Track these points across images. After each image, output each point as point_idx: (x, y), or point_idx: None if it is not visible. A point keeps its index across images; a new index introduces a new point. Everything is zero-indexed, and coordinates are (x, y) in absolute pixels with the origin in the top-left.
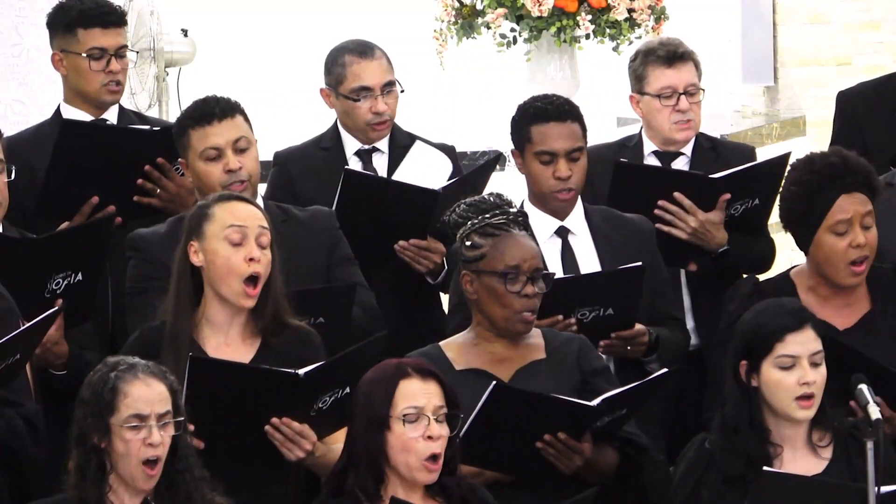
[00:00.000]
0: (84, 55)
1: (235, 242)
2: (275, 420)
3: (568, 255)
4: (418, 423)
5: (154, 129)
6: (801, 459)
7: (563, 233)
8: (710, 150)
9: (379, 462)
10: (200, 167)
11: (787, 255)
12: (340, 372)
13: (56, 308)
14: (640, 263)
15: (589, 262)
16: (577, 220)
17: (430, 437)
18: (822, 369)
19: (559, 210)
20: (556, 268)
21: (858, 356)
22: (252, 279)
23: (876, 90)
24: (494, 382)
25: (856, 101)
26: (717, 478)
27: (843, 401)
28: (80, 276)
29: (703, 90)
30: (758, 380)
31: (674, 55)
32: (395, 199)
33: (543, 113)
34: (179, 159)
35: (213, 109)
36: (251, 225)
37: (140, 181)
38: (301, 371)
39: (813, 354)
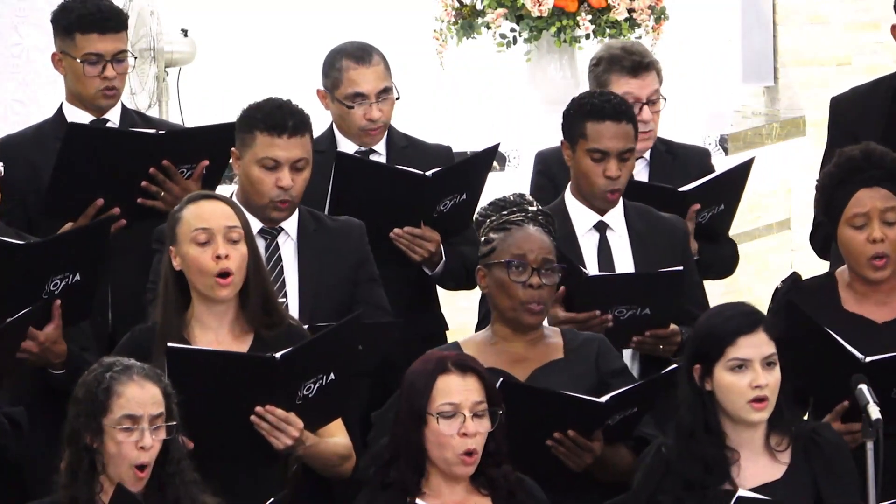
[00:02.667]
0: (79, 60)
1: (202, 243)
2: (259, 409)
3: (604, 250)
4: (454, 419)
5: (160, 133)
6: (760, 464)
7: (601, 227)
8: (667, 153)
9: (419, 455)
10: (254, 172)
11: (788, 255)
12: (319, 355)
13: (27, 310)
14: (680, 268)
15: (624, 258)
16: (616, 216)
17: (465, 434)
18: (776, 372)
19: (603, 207)
20: (591, 262)
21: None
22: (222, 275)
23: (868, 94)
24: (502, 379)
25: (848, 105)
26: (676, 484)
27: (799, 403)
28: (77, 277)
29: (665, 98)
30: (711, 384)
31: (639, 65)
32: (385, 183)
33: (601, 110)
34: (232, 148)
35: (288, 122)
36: (215, 224)
37: (144, 184)
38: (277, 354)
39: (765, 357)
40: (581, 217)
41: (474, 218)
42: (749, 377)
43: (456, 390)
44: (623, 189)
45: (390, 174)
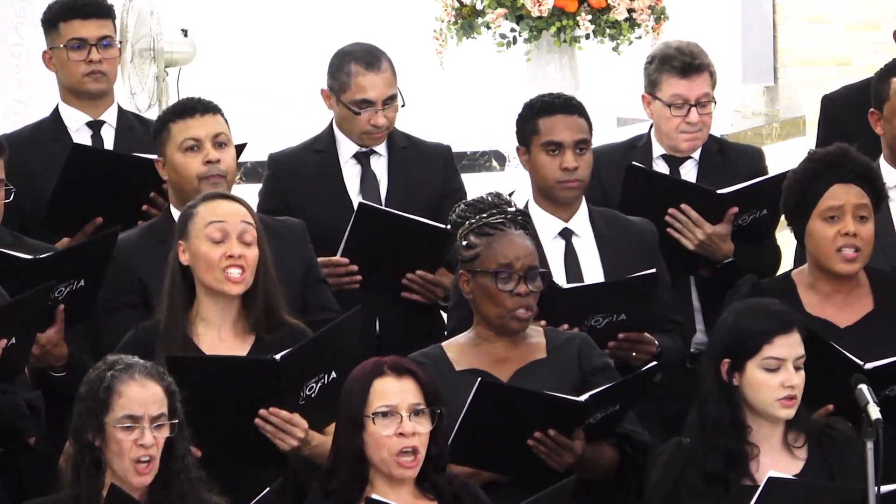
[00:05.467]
0: (62, 46)
1: (217, 240)
2: (262, 411)
3: (571, 256)
4: (391, 420)
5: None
6: (779, 460)
7: (566, 234)
8: (718, 153)
9: (360, 462)
10: (178, 159)
11: (788, 255)
12: (318, 354)
13: (48, 283)
14: (653, 270)
15: (591, 264)
16: (581, 221)
17: (402, 434)
18: (803, 373)
19: (565, 203)
20: (558, 269)
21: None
22: (233, 271)
23: (860, 93)
24: (480, 379)
25: (840, 104)
26: (697, 476)
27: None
28: (82, 283)
29: (715, 102)
30: (739, 379)
31: (689, 66)
32: (407, 235)
33: (550, 106)
34: (157, 158)
35: (196, 106)
36: (231, 221)
37: (146, 207)
38: (277, 356)
39: (797, 358)
40: (546, 225)
41: (451, 218)
42: (782, 377)
43: (392, 392)
44: (585, 183)
45: (414, 227)
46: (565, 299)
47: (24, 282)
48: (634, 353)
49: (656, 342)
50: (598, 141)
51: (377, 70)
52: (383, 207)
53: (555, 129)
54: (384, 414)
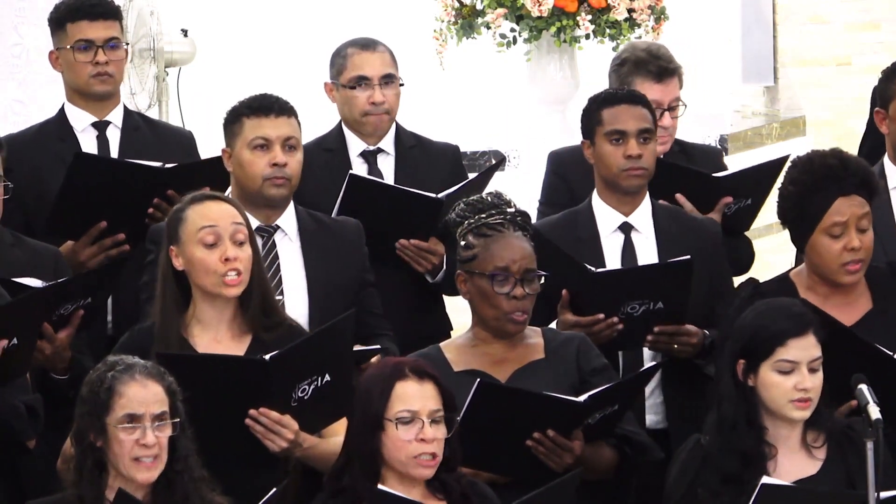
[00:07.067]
0: (69, 47)
1: (209, 244)
2: (252, 411)
3: (628, 251)
4: (412, 426)
5: (167, 166)
6: (796, 460)
7: (626, 229)
8: (680, 153)
9: (375, 460)
10: (246, 156)
11: (788, 255)
12: (311, 356)
13: (39, 287)
14: (688, 257)
15: (649, 259)
16: (642, 216)
17: (423, 440)
18: (820, 375)
19: (629, 194)
20: (614, 263)
21: (862, 343)
22: (231, 275)
23: None
24: (479, 380)
25: None
26: (714, 476)
27: (836, 401)
28: (88, 300)
29: (685, 105)
30: (755, 380)
31: (664, 71)
32: (398, 205)
33: (614, 97)
34: (223, 148)
35: (273, 104)
36: (223, 224)
37: (151, 211)
38: (267, 356)
39: (812, 361)
40: (606, 218)
41: (450, 217)
42: (795, 379)
43: (414, 396)
44: (649, 172)
45: (406, 197)
46: (598, 284)
47: None
48: (676, 346)
49: (703, 332)
50: None
51: (372, 50)
52: (373, 178)
53: (618, 118)
54: (406, 419)
